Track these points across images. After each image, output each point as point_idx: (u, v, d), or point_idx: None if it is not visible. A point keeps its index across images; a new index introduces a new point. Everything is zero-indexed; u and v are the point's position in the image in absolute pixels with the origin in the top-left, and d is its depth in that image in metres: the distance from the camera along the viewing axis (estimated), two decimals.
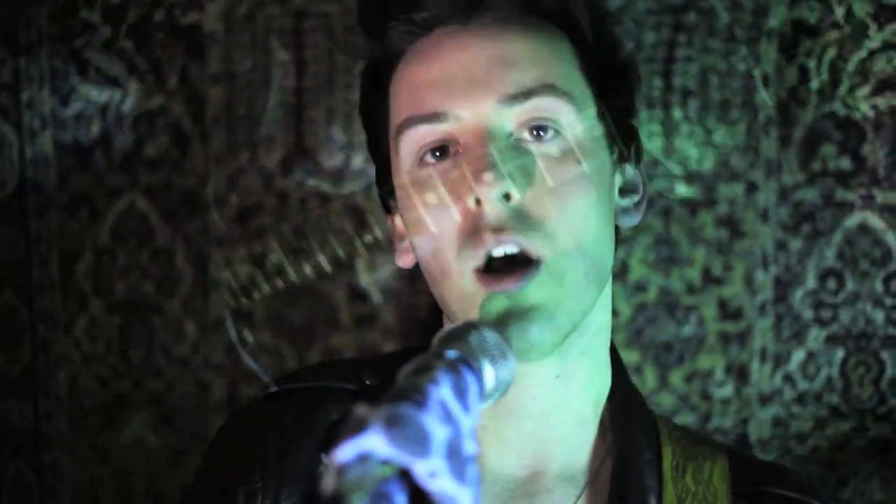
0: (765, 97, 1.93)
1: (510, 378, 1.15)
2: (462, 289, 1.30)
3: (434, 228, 1.31)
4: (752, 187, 1.94)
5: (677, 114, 1.95)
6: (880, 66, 1.92)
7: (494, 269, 1.28)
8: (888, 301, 1.95)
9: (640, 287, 1.96)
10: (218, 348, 2.04)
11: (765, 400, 1.97)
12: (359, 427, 0.93)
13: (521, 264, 1.28)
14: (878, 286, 1.95)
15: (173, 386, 2.07)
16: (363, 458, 0.93)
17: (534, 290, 1.27)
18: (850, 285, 1.96)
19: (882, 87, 1.92)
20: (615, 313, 1.92)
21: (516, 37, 1.34)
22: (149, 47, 2.04)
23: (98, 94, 2.06)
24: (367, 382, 1.48)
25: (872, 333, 1.96)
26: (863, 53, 1.92)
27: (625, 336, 1.97)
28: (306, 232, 2.01)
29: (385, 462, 0.93)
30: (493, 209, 1.26)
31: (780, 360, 1.97)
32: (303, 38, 2.00)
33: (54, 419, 2.10)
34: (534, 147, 1.30)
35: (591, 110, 1.35)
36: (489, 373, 1.11)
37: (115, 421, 2.09)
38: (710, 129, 1.94)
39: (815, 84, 1.93)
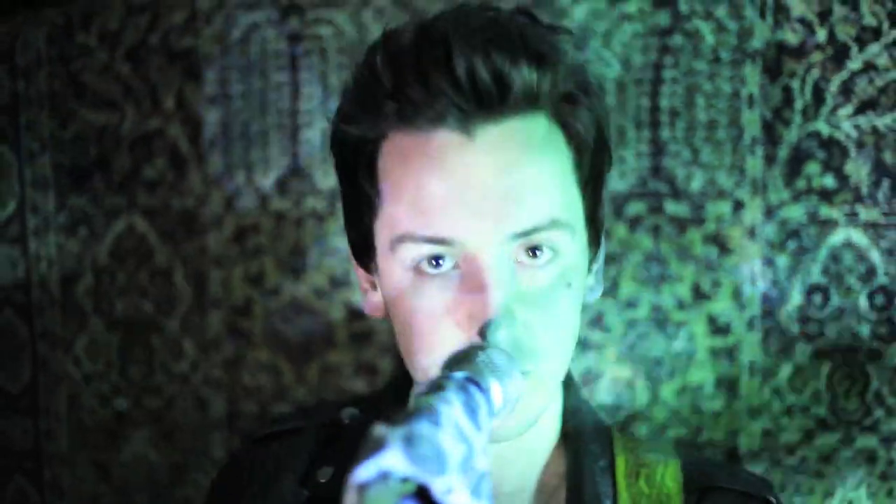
0: None
1: (518, 395, 1.20)
2: None
3: (428, 343, 1.35)
4: (738, 205, 1.95)
5: (665, 134, 1.96)
6: (862, 86, 1.93)
7: None
8: (873, 316, 1.96)
9: (631, 304, 1.98)
10: (217, 365, 2.06)
11: (754, 413, 1.98)
12: (378, 446, 0.96)
13: None
14: (863, 301, 1.96)
15: (173, 403, 2.08)
16: (383, 477, 0.96)
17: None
18: (835, 300, 1.96)
19: (864, 107, 1.93)
20: (607, 329, 1.97)
21: (523, 163, 1.32)
22: (145, 71, 2.05)
23: (96, 117, 2.08)
24: (346, 421, 1.54)
25: (858, 347, 1.97)
26: (845, 75, 1.93)
27: (617, 352, 1.98)
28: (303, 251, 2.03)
29: (404, 480, 0.96)
30: (492, 342, 1.29)
31: (768, 374, 1.98)
32: (297, 60, 2.01)
33: (55, 437, 2.12)
34: (527, 270, 1.33)
35: (583, 229, 1.39)
36: (497, 391, 1.16)
37: (116, 438, 2.10)
38: (697, 148, 1.95)
39: (798, 104, 1.94)
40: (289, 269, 2.04)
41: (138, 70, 2.06)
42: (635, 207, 1.96)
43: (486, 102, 1.30)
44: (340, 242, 1.97)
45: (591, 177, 1.41)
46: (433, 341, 1.33)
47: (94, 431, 2.11)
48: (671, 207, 1.97)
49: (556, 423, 1.53)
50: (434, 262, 1.33)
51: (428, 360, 1.34)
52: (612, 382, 1.99)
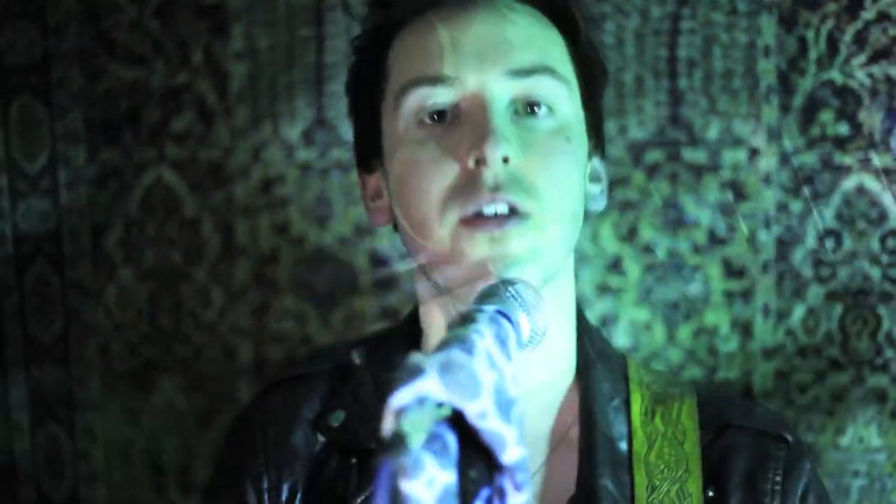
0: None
1: (545, 327, 1.24)
2: (444, 235, 1.38)
3: (428, 182, 1.39)
4: (754, 152, 1.99)
5: (683, 83, 2.00)
6: (875, 36, 1.97)
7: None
8: (884, 259, 2.00)
9: (649, 248, 2.02)
10: (244, 313, 2.09)
11: (768, 353, 2.02)
12: (415, 373, 1.00)
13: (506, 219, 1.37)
14: (875, 245, 2.00)
15: (201, 350, 2.11)
16: (420, 402, 1.00)
17: (516, 236, 1.36)
18: (847, 244, 2.01)
19: (877, 56, 1.97)
20: (626, 273, 2.01)
21: (520, 22, 1.44)
22: (174, 26, 2.08)
23: (125, 72, 2.10)
24: (356, 362, 1.57)
25: (869, 290, 2.01)
26: (859, 24, 1.97)
27: (635, 295, 2.03)
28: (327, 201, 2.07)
29: (440, 405, 1.00)
30: (491, 170, 1.35)
31: (782, 315, 2.02)
32: (322, 15, 2.05)
33: (86, 384, 2.15)
34: (527, 121, 1.40)
35: (578, 98, 1.46)
36: (525, 323, 1.20)
37: (146, 385, 2.14)
38: (714, 97, 1.99)
39: (813, 54, 1.98)
40: (314, 219, 2.07)
41: (167, 26, 2.09)
42: (654, 155, 2.01)
43: None
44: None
45: (584, 65, 1.50)
46: (432, 183, 1.38)
47: (124, 379, 2.14)
48: (688, 155, 2.01)
49: (571, 363, 1.55)
50: (435, 116, 1.41)
51: (427, 205, 1.38)
52: (631, 325, 2.04)
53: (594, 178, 1.54)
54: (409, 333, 1.58)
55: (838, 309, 2.02)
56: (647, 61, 2.01)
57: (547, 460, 1.50)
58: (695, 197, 2.01)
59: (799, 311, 2.02)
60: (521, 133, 1.39)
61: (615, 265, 2.03)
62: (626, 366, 1.59)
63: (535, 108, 1.40)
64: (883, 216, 2.00)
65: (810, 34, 1.98)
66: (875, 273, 2.01)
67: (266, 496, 1.51)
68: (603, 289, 2.03)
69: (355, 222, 2.06)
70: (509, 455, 1.05)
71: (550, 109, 1.41)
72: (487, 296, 1.22)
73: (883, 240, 2.01)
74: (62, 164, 2.13)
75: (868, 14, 1.97)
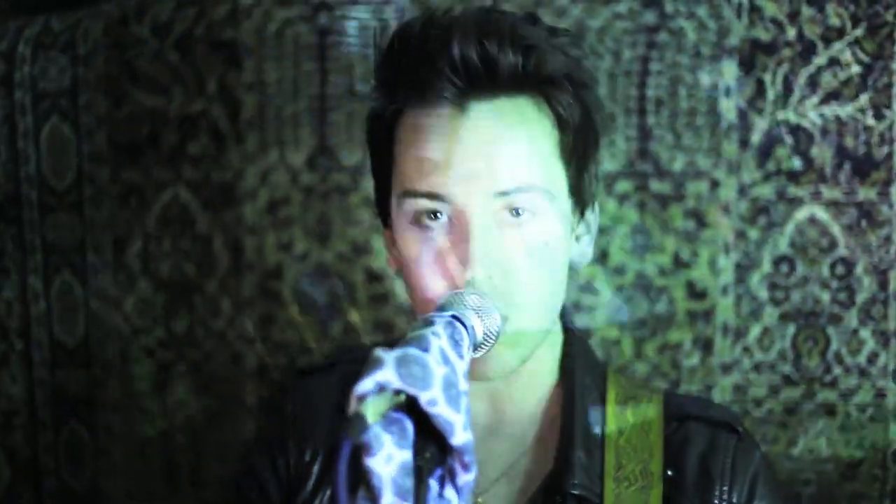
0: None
1: (497, 330, 1.37)
2: None
3: (425, 283, 1.49)
4: (715, 184, 2.08)
5: (651, 120, 2.09)
6: (827, 79, 2.06)
7: None
8: (833, 284, 2.08)
9: (619, 271, 2.11)
10: (250, 323, 2.19)
11: (726, 369, 2.11)
12: (376, 365, 1.15)
13: None
14: (825, 271, 2.09)
15: (211, 356, 2.21)
16: (380, 389, 1.14)
17: (498, 343, 1.44)
18: (800, 270, 2.09)
19: (828, 97, 2.06)
20: (598, 293, 2.10)
21: (508, 134, 1.48)
22: (191, 58, 2.18)
23: (147, 99, 2.21)
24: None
25: (820, 312, 2.09)
26: (812, 69, 2.06)
27: (606, 313, 2.11)
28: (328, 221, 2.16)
29: (397, 392, 1.15)
30: (472, 286, 1.45)
31: (739, 334, 2.10)
32: (326, 51, 2.15)
33: (106, 385, 2.25)
34: (510, 227, 1.48)
35: (564, 197, 1.52)
36: (478, 327, 1.34)
37: (160, 387, 2.24)
38: (679, 133, 2.08)
39: (770, 95, 2.07)
40: (315, 237, 2.16)
41: (185, 58, 2.19)
42: (623, 185, 2.10)
43: (477, 82, 1.47)
44: (362, 213, 2.11)
45: (575, 154, 1.54)
46: (427, 284, 1.49)
47: (140, 381, 2.24)
48: (655, 185, 2.09)
49: (555, 366, 1.67)
50: (432, 216, 1.49)
51: (425, 298, 1.49)
52: (602, 340, 2.12)
53: (582, 234, 1.63)
54: None
55: (791, 329, 2.10)
56: (619, 99, 2.09)
57: (534, 443, 1.64)
58: (661, 224, 2.10)
59: (755, 331, 2.10)
60: (504, 240, 1.47)
61: (588, 286, 2.11)
62: (605, 369, 1.73)
63: (519, 213, 1.47)
64: (832, 245, 2.08)
65: (767, 77, 2.06)
66: (825, 297, 2.09)
67: (291, 458, 1.64)
68: (577, 307, 2.10)
69: (353, 241, 2.14)
70: (457, 438, 1.19)
71: (533, 215, 1.48)
72: (448, 304, 1.37)
73: (832, 267, 2.09)
74: (88, 181, 2.23)
75: (820, 60, 2.06)
